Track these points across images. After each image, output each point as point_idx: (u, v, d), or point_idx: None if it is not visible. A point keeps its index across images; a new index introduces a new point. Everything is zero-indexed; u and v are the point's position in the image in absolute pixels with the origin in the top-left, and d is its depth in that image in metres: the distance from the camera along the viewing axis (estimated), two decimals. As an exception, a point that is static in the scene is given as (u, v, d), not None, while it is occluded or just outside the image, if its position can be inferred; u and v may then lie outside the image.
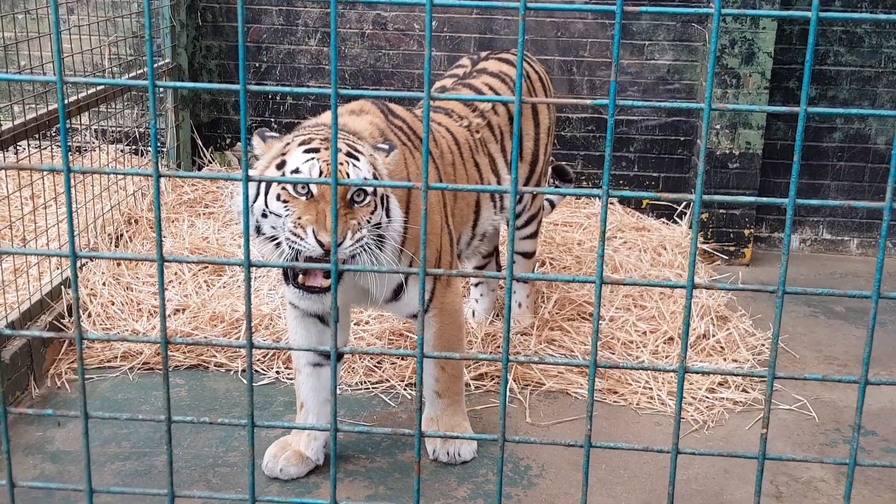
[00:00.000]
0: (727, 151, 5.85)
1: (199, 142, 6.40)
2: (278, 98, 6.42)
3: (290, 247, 2.97)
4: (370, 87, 6.35)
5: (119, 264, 4.85)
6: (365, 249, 3.02)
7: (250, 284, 1.34)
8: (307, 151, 3.09)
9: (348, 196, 3.01)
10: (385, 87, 6.35)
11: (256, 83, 6.37)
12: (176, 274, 4.88)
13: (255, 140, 3.21)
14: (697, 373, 1.50)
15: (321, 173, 3.03)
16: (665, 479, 3.59)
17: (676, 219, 6.17)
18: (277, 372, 4.29)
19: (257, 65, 6.38)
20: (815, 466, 3.70)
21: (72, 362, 4.29)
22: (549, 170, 4.90)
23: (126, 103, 6.07)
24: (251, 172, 3.25)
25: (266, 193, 3.06)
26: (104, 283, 4.66)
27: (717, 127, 5.82)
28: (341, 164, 3.05)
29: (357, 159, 3.10)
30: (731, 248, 5.95)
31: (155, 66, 5.84)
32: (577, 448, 3.83)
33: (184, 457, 3.68)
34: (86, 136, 6.34)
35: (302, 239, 2.95)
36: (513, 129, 4.33)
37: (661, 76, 6.19)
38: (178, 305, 4.61)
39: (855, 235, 6.24)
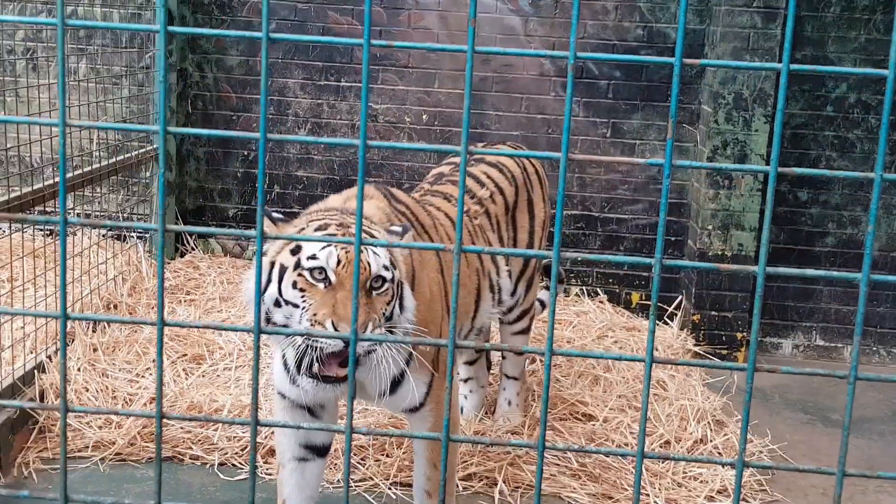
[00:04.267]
0: (719, 252, 5.79)
1: (184, 228, 6.28)
2: (265, 187, 6.34)
3: (309, 345, 2.86)
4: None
5: (95, 350, 4.66)
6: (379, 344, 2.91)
7: (258, 353, 1.20)
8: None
9: (367, 285, 2.92)
10: (374, 178, 6.29)
11: (244, 171, 6.29)
12: (154, 361, 4.70)
13: (264, 221, 3.10)
14: (653, 458, 1.37)
15: (339, 262, 2.93)
16: (666, 590, 3.38)
17: (667, 320, 6.07)
18: (256, 466, 4.07)
19: (245, 153, 6.32)
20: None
21: (41, 451, 4.07)
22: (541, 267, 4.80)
23: (111, 187, 5.97)
24: (262, 258, 3.13)
25: (280, 281, 2.95)
26: (79, 369, 4.47)
27: (710, 228, 5.77)
28: (362, 252, 2.95)
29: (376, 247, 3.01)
30: (724, 352, 5.83)
31: (142, 151, 5.78)
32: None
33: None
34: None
35: (324, 339, 2.84)
36: (510, 219, 4.25)
37: (653, 175, 6.18)
38: (155, 394, 4.41)
39: (848, 342, 6.14)
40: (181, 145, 6.25)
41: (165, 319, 1.33)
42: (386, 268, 2.98)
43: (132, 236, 6.02)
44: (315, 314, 2.86)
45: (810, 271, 1.29)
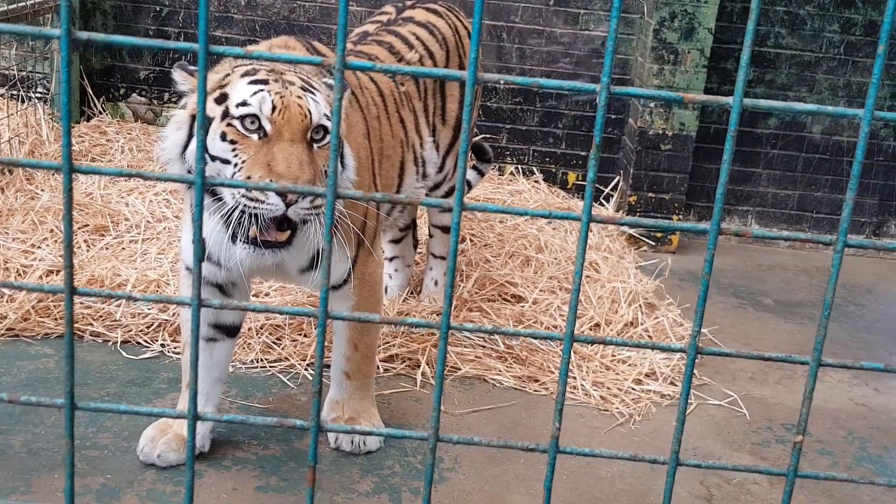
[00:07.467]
0: (660, 132, 5.55)
1: (90, 90, 5.82)
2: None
3: (243, 209, 2.55)
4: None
5: (-14, 217, 4.28)
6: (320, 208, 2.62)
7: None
8: (254, 83, 2.67)
9: (308, 135, 2.63)
10: (300, 42, 5.86)
11: (157, 28, 5.81)
12: (52, 231, 4.34)
13: (179, 74, 2.75)
14: (583, 341, 1.13)
15: (274, 107, 2.61)
16: (590, 475, 3.25)
17: (603, 201, 5.86)
18: (163, 345, 3.81)
19: (158, 9, 5.83)
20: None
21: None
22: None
23: (4, 41, 5.45)
24: (181, 111, 2.77)
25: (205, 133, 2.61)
26: (-33, 237, 4.10)
27: (651, 105, 5.51)
28: (299, 97, 2.66)
29: (314, 93, 2.72)
30: (658, 234, 5.66)
31: (39, 0, 5.25)
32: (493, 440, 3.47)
33: (46, 436, 3.19)
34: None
35: (262, 202, 2.54)
36: (438, 87, 3.93)
37: (596, 48, 5.86)
38: (52, 266, 4.08)
39: (784, 227, 6.03)
40: (87, -2, 5.73)
41: (75, 166, 1.04)
42: (327, 117, 2.69)
43: (32, 96, 5.55)
44: (250, 176, 2.57)
45: (800, 105, 1.03)
